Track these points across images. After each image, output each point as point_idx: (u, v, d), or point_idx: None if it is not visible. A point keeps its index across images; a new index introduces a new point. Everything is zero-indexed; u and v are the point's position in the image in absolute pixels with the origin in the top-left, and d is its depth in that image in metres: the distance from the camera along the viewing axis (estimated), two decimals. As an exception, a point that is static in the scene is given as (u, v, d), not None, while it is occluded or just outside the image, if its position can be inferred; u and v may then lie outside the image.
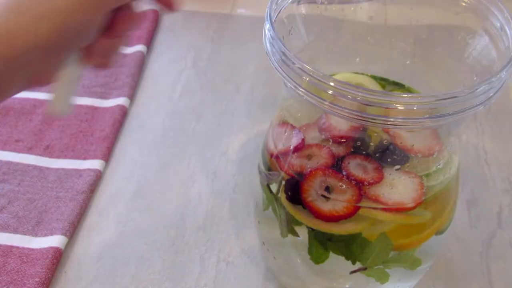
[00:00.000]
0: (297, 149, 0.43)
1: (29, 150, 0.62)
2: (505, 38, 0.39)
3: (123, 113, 0.67)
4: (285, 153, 0.43)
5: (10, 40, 0.31)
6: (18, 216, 0.55)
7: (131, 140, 0.65)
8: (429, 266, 0.47)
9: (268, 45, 0.39)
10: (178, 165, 0.62)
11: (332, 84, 0.35)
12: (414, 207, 0.41)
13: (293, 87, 0.37)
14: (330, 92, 0.35)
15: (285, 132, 0.44)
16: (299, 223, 0.43)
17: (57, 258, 0.52)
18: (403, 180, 0.41)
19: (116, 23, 0.39)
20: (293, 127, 0.44)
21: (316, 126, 0.44)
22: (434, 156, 0.42)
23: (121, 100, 0.67)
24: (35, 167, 0.60)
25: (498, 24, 0.40)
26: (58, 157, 0.61)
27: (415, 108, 0.34)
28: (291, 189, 0.42)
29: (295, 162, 0.43)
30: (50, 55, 0.34)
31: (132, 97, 0.69)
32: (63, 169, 0.60)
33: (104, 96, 0.69)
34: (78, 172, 0.60)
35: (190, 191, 0.59)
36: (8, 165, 0.60)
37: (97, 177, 0.59)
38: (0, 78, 0.32)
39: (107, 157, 0.62)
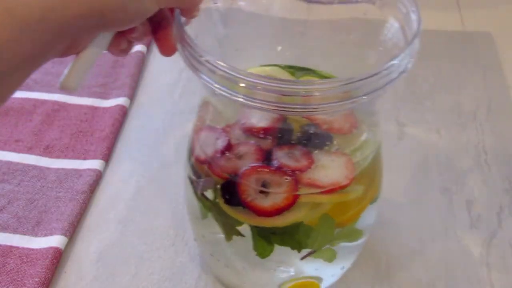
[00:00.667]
0: (225, 150, 0.43)
1: (29, 150, 0.62)
2: (410, 24, 0.40)
3: (123, 113, 0.67)
4: (214, 157, 0.43)
5: (64, 10, 0.34)
6: (18, 216, 0.55)
7: (131, 140, 0.65)
8: (367, 237, 0.48)
9: (179, 42, 0.39)
10: (178, 165, 0.62)
11: (244, 77, 0.35)
12: (348, 184, 0.42)
13: (207, 83, 0.37)
14: (243, 85, 0.35)
15: (210, 136, 0.44)
16: (241, 224, 0.43)
17: (57, 258, 0.52)
18: (333, 160, 0.42)
19: (154, 23, 0.41)
20: (216, 129, 0.44)
21: (238, 124, 0.44)
22: (356, 132, 0.43)
23: (121, 100, 0.67)
24: (35, 167, 0.60)
25: (404, 10, 0.41)
26: (58, 157, 0.61)
27: (328, 93, 0.35)
28: (228, 192, 0.42)
29: (227, 164, 0.42)
30: (86, 30, 0.36)
31: (132, 97, 0.69)
32: (63, 169, 0.60)
33: (104, 96, 0.69)
34: (78, 172, 0.60)
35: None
36: (8, 165, 0.60)
37: (97, 177, 0.59)
38: (47, 42, 0.34)
39: (107, 157, 0.62)
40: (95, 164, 0.60)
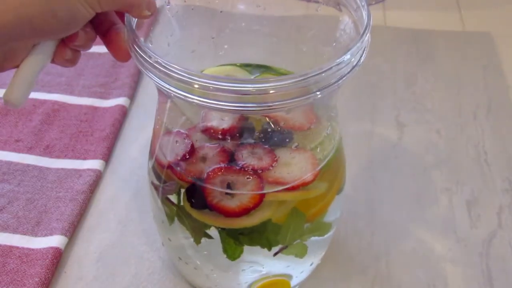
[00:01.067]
0: (189, 153, 0.42)
1: (29, 150, 0.62)
2: (362, 20, 0.40)
3: (123, 113, 0.67)
4: (177, 161, 0.43)
5: None
6: (18, 216, 0.55)
7: (131, 140, 0.65)
8: (335, 231, 0.48)
9: (131, 46, 0.38)
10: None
11: (198, 78, 0.35)
12: (313, 180, 0.42)
13: (162, 86, 0.37)
14: (197, 86, 0.35)
15: (172, 140, 0.44)
16: (208, 226, 0.43)
17: (57, 258, 0.52)
18: (296, 157, 0.42)
19: (98, 27, 0.40)
20: (178, 132, 0.44)
21: (200, 126, 0.44)
22: (316, 128, 0.44)
23: (121, 100, 0.67)
24: (35, 167, 0.60)
25: (355, 6, 0.42)
26: (58, 157, 0.61)
27: (282, 90, 0.35)
28: (193, 196, 0.42)
29: (190, 167, 0.42)
30: (16, 39, 0.35)
31: (132, 97, 0.69)
32: (63, 169, 0.60)
33: (104, 96, 0.69)
34: (78, 172, 0.60)
35: (190, 191, 0.59)
36: (8, 165, 0.60)
37: (97, 177, 0.59)
38: None
39: (107, 157, 0.62)
40: (95, 164, 0.60)
